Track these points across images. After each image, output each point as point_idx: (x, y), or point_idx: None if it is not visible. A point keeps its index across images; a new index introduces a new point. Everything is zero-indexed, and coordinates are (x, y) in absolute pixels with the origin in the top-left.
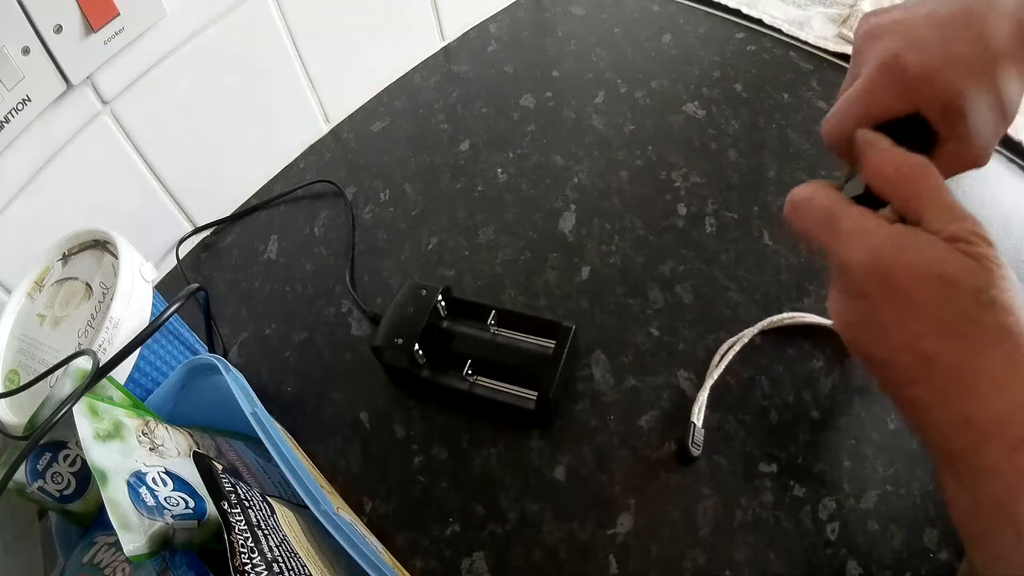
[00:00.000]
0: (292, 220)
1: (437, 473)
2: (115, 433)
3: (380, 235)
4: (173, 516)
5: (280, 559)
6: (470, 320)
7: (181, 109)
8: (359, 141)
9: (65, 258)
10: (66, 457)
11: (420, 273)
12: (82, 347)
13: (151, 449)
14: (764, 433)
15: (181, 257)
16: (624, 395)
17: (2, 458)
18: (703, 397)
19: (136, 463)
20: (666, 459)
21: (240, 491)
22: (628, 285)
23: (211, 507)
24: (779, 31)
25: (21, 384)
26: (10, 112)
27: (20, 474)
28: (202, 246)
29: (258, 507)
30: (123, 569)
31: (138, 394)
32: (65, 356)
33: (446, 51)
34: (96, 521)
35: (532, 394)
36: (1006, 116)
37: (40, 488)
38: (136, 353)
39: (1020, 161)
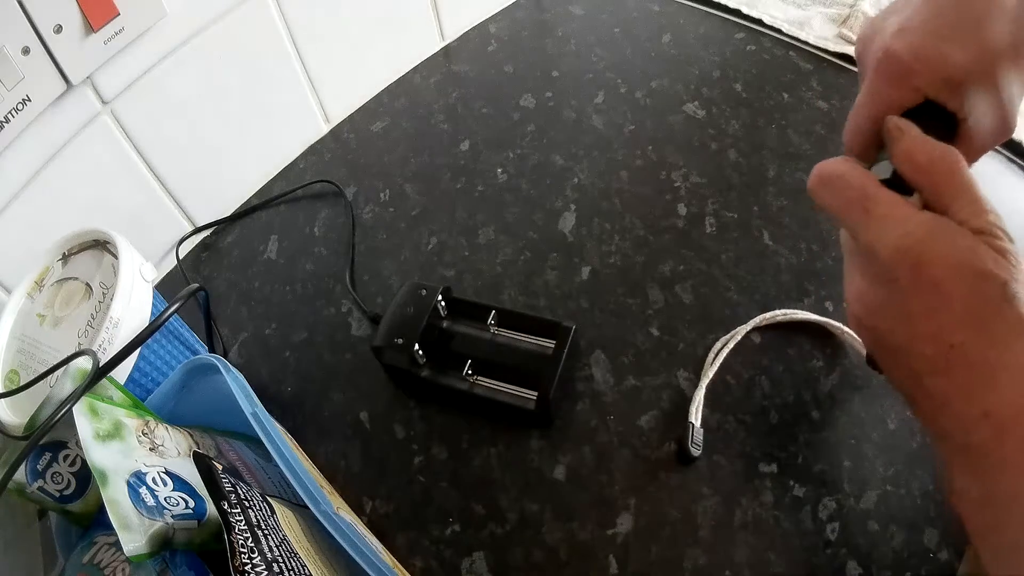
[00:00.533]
0: (292, 220)
1: (437, 473)
2: (115, 433)
3: (380, 235)
4: (173, 516)
5: (280, 559)
6: (470, 320)
7: (181, 109)
8: (359, 141)
9: (65, 258)
10: (66, 457)
11: (420, 273)
12: (82, 347)
13: (151, 449)
14: (764, 433)
15: (181, 257)
16: (624, 395)
17: (2, 458)
18: (700, 396)
19: (136, 463)
20: (666, 459)
21: (240, 491)
22: (628, 285)
23: (211, 507)
24: (779, 31)
25: (21, 384)
26: (10, 112)
27: (20, 474)
28: (202, 246)
29: (258, 507)
30: (123, 569)
31: (138, 394)
32: (65, 356)
33: (446, 51)
34: (96, 521)
35: (532, 394)
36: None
37: (40, 488)
38: (136, 353)
39: (1020, 161)
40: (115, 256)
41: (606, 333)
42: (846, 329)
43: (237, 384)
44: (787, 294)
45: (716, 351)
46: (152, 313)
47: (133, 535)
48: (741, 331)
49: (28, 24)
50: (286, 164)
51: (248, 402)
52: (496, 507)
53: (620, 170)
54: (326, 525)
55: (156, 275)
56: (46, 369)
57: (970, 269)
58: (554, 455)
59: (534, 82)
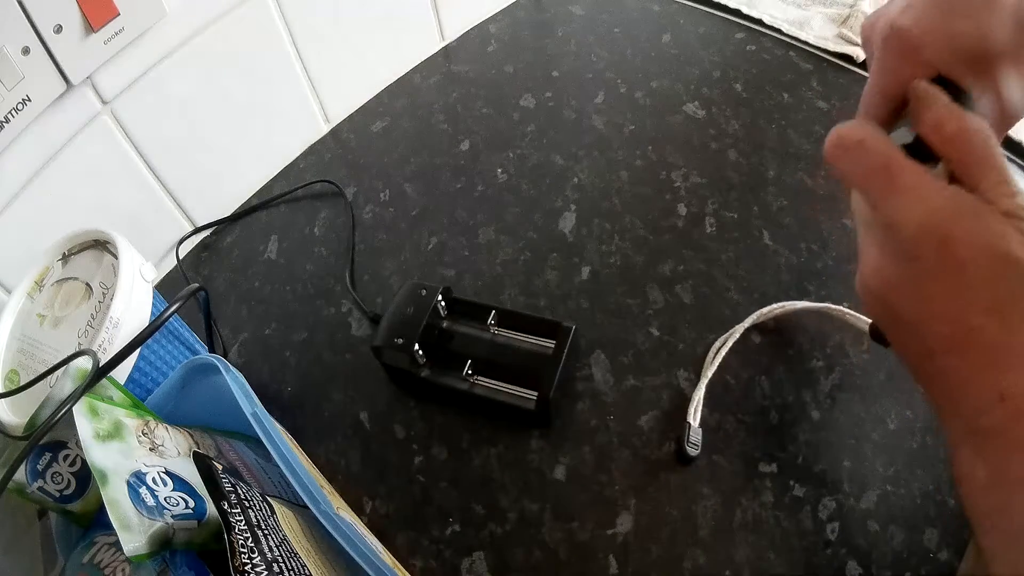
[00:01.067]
0: (292, 220)
1: (437, 473)
2: (115, 433)
3: (380, 235)
4: (173, 516)
5: (280, 559)
6: (470, 320)
7: (181, 109)
8: (359, 141)
9: (65, 258)
10: (66, 457)
11: (420, 273)
12: (82, 347)
13: (151, 449)
14: (764, 433)
15: (181, 257)
16: (624, 395)
17: (2, 458)
18: (699, 396)
19: (136, 463)
20: (666, 459)
21: (240, 491)
22: (628, 285)
23: (211, 507)
24: (779, 31)
25: (21, 384)
26: (10, 112)
27: (20, 474)
28: (202, 246)
29: (258, 507)
30: (123, 569)
31: (138, 394)
32: (65, 356)
33: (446, 51)
34: (96, 521)
35: (532, 394)
36: None
37: (40, 488)
38: (136, 353)
39: (1020, 161)
40: (115, 256)
41: (606, 333)
42: (847, 311)
43: (237, 384)
44: (787, 294)
45: (716, 350)
46: (152, 313)
47: (133, 535)
48: (739, 329)
49: (28, 24)
50: (286, 164)
51: (248, 402)
52: (496, 507)
53: (620, 170)
54: (326, 525)
55: (156, 275)
56: (46, 369)
57: (997, 253)
58: (554, 455)
59: (534, 82)
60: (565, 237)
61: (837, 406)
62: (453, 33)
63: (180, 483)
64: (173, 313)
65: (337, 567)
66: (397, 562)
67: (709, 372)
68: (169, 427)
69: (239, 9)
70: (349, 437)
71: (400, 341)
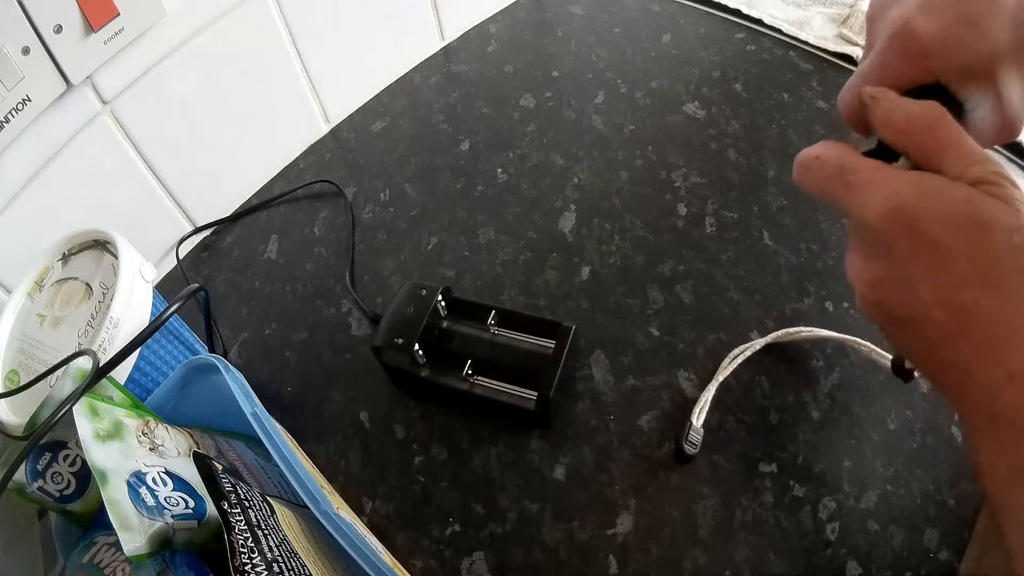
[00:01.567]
0: (292, 220)
1: (437, 473)
2: (115, 433)
3: (380, 235)
4: (173, 516)
5: (280, 559)
6: (470, 320)
7: (181, 109)
8: (359, 141)
9: (65, 258)
10: (66, 457)
11: (420, 273)
12: (82, 347)
13: (151, 449)
14: (764, 433)
15: (181, 257)
16: (624, 395)
17: (2, 458)
18: (706, 398)
19: (136, 463)
20: (666, 459)
21: (240, 491)
22: (628, 285)
23: (211, 507)
24: (779, 31)
25: (21, 384)
26: (10, 112)
27: (20, 474)
28: (202, 246)
29: (258, 507)
30: (123, 569)
31: (138, 394)
32: (65, 356)
33: (446, 51)
34: (96, 521)
35: (532, 394)
36: None
37: (40, 488)
38: (136, 353)
39: (1020, 161)
40: (115, 256)
41: (606, 333)
42: (871, 346)
43: (237, 384)
44: (787, 294)
45: (732, 357)
46: (152, 313)
47: (133, 535)
48: (759, 343)
49: (28, 24)
50: (286, 164)
51: (248, 402)
52: (496, 507)
53: (620, 170)
54: (326, 525)
55: (156, 275)
56: (46, 369)
57: (969, 221)
58: (554, 455)
59: (534, 82)
60: (565, 237)
61: (837, 406)
62: (453, 33)
63: (180, 483)
64: (173, 313)
65: (337, 567)
66: (397, 562)
67: (720, 377)
68: (169, 427)
69: (239, 9)
70: (349, 437)
71: (400, 341)
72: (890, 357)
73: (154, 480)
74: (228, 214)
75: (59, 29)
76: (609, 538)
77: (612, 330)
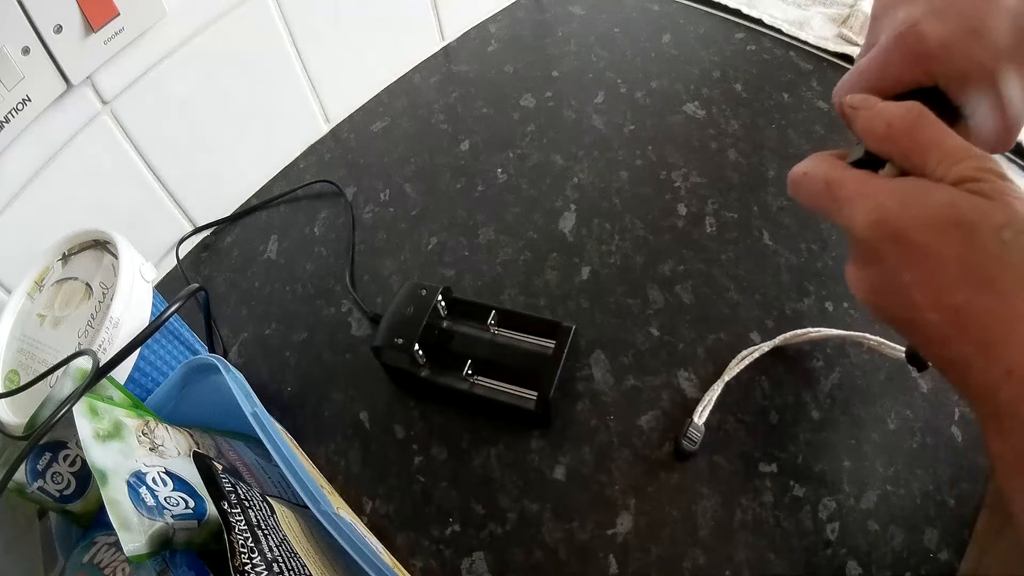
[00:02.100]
0: (292, 220)
1: (437, 473)
2: (115, 433)
3: (380, 235)
4: (173, 516)
5: (280, 559)
6: (470, 320)
7: (181, 109)
8: (359, 141)
9: (65, 258)
10: (66, 457)
11: (420, 273)
12: (82, 347)
13: (151, 449)
14: (764, 433)
15: (181, 257)
16: (624, 395)
17: (2, 458)
18: (711, 397)
19: (136, 463)
20: (666, 459)
21: (240, 491)
22: (628, 285)
23: (211, 507)
24: (779, 31)
25: (21, 384)
26: (10, 112)
27: (20, 474)
28: (202, 246)
29: (258, 507)
30: (123, 569)
31: (138, 394)
32: (65, 356)
33: (446, 51)
34: (96, 521)
35: (532, 394)
36: None
37: (40, 488)
38: (136, 353)
39: (1020, 161)
40: (115, 256)
41: (606, 333)
42: (883, 341)
43: (237, 384)
44: (787, 294)
45: (741, 358)
46: (152, 313)
47: (133, 535)
48: (766, 346)
49: (28, 24)
50: (286, 164)
51: (248, 402)
52: (496, 507)
53: (620, 170)
54: (326, 525)
55: (156, 275)
56: (46, 369)
57: (953, 224)
58: (554, 455)
59: (534, 82)
60: (565, 237)
61: (837, 406)
62: (453, 33)
63: (180, 483)
64: (173, 313)
65: (337, 567)
66: (397, 562)
67: (727, 377)
68: (169, 427)
69: (239, 9)
70: (349, 437)
71: (400, 341)
72: (902, 349)
73: (154, 480)
74: (228, 214)
75: (59, 29)
76: (609, 538)
77: (612, 330)
